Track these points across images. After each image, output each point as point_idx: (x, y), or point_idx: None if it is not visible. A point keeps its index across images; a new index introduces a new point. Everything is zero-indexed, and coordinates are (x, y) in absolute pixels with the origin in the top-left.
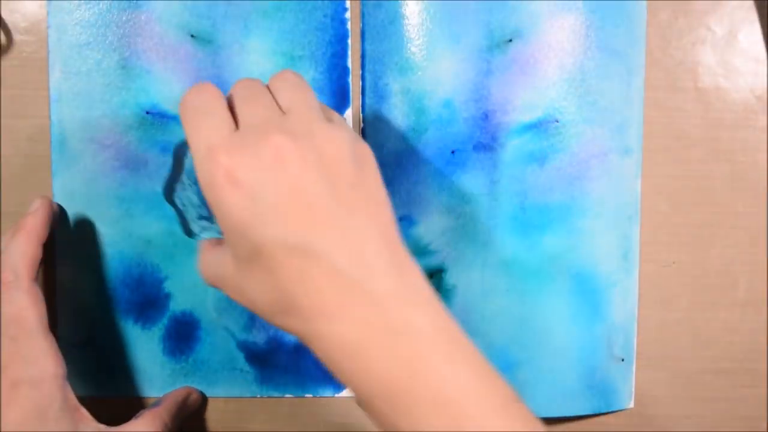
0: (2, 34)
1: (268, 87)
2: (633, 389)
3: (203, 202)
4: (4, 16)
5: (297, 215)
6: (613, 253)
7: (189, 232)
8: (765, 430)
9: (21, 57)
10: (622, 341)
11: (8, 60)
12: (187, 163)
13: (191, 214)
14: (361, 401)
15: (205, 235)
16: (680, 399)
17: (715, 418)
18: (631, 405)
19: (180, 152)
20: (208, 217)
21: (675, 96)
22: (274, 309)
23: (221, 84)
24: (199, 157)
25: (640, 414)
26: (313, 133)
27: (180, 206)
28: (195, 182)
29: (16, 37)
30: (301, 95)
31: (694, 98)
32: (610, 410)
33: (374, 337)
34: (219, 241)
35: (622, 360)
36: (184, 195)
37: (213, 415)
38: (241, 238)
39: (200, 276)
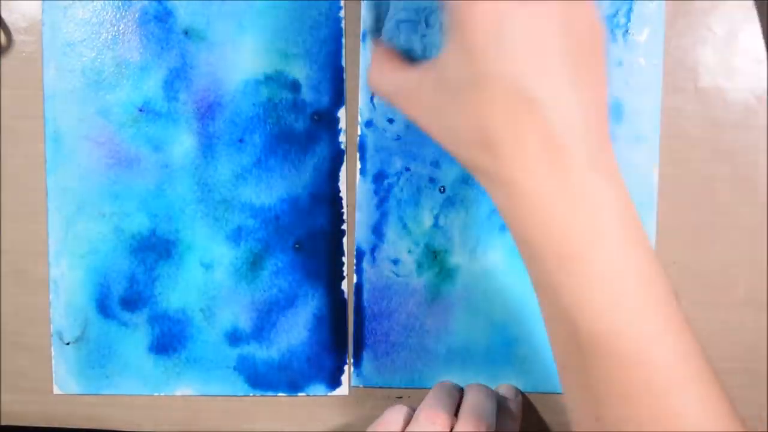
0: (2, 34)
1: None
2: None
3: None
4: (3, 16)
5: (537, 62)
6: None
7: (377, 30)
8: (765, 430)
9: (21, 57)
10: None
11: (8, 60)
12: None
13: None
14: (530, 256)
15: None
16: None
17: None
18: None
19: None
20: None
21: (675, 96)
22: (470, 140)
23: (216, 81)
24: None
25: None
26: None
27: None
28: None
29: (16, 37)
30: None
31: (694, 98)
32: None
33: (562, 197)
34: (393, 53)
35: None
36: None
37: (213, 415)
38: (469, 63)
39: (370, 83)
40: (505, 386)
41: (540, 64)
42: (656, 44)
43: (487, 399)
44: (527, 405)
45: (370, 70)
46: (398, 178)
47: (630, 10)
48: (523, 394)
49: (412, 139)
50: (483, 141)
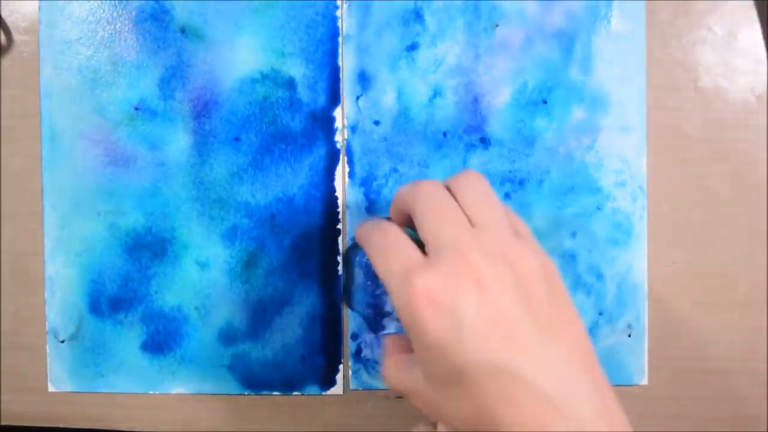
0: (2, 34)
1: (448, 187)
2: (645, 366)
3: (378, 301)
4: (4, 16)
5: (499, 338)
6: (612, 228)
7: (376, 330)
8: (765, 430)
9: (21, 57)
10: (630, 315)
11: (8, 60)
12: (356, 265)
13: (370, 314)
14: None
15: (389, 330)
16: (680, 399)
17: (715, 418)
18: (645, 381)
19: (350, 257)
20: (387, 314)
21: (675, 96)
22: (471, 426)
23: (212, 80)
24: (394, 283)
25: (639, 414)
26: (506, 252)
27: (360, 310)
28: (368, 283)
29: (16, 37)
30: (491, 208)
31: (694, 98)
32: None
33: None
34: (405, 346)
35: (629, 336)
36: (359, 297)
37: (213, 415)
38: (440, 359)
39: (384, 380)
40: None
41: (508, 336)
42: (638, 34)
43: None
44: None
45: (383, 367)
46: (387, 180)
47: (614, 3)
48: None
49: (399, 140)
50: (483, 425)
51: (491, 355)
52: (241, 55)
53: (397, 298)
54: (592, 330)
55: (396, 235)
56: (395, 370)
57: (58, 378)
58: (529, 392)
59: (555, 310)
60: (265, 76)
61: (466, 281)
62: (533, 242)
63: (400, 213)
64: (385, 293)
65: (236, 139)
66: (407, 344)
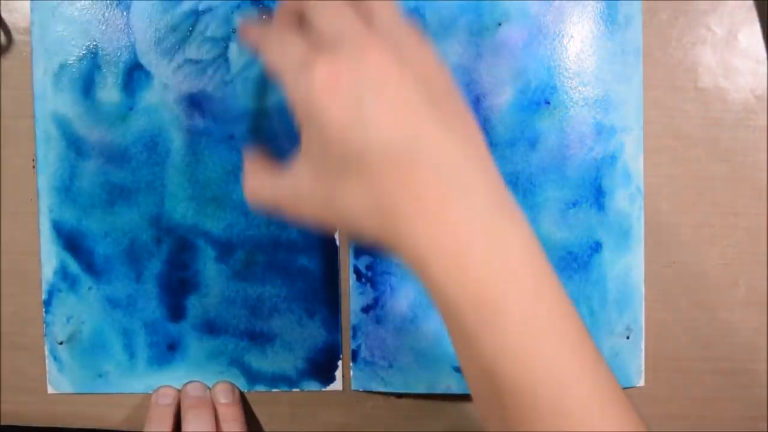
0: (2, 34)
1: None
2: (643, 368)
3: None
4: (4, 16)
5: (403, 119)
6: (612, 229)
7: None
8: (765, 430)
9: (21, 57)
10: (628, 317)
11: (8, 60)
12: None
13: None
14: (446, 308)
15: None
16: (680, 399)
17: (715, 418)
18: (642, 383)
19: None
20: None
21: (675, 96)
22: (370, 215)
23: (205, 78)
24: (291, 74)
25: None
26: (404, 45)
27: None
28: None
29: (16, 37)
30: (386, 7)
31: (694, 98)
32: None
33: (471, 242)
34: (270, 164)
35: (627, 338)
36: None
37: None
38: (340, 144)
39: (249, 199)
40: (220, 386)
41: (411, 118)
42: (637, 34)
43: (203, 413)
44: None
45: (245, 183)
46: None
47: (613, 3)
48: (242, 393)
49: None
50: (381, 212)
51: (394, 135)
52: (234, 51)
53: (294, 90)
54: (591, 332)
55: (291, 30)
56: (264, 186)
57: (57, 380)
58: (428, 174)
59: (455, 105)
60: (259, 72)
61: (368, 66)
62: (429, 44)
63: (288, 17)
64: None
65: (230, 137)
66: (270, 163)
